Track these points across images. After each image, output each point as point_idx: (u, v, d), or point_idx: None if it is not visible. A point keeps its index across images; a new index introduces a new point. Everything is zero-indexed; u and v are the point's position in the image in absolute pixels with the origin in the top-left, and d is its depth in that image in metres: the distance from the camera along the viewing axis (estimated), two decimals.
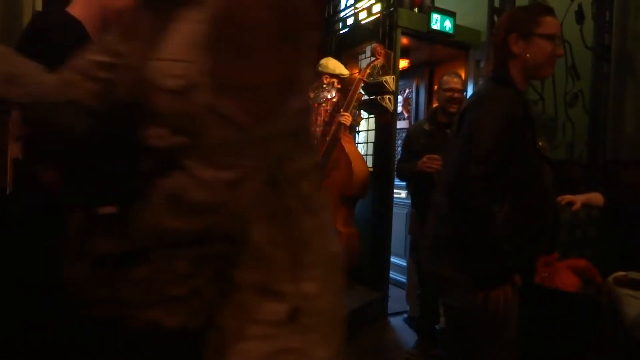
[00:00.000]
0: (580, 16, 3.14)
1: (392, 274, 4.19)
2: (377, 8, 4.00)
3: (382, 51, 3.63)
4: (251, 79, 0.58)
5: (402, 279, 4.26)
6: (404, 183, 3.42)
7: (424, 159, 2.82)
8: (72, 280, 0.64)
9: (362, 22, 4.19)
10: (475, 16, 4.08)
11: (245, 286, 0.66)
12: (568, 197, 2.00)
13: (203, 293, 0.61)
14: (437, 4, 4.11)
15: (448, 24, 3.99)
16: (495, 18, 2.98)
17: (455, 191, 1.38)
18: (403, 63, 4.83)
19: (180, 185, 0.58)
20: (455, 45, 4.19)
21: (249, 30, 0.58)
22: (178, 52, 0.62)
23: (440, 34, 3.97)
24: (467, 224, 1.37)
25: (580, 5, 3.15)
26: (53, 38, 0.99)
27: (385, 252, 3.85)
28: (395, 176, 3.74)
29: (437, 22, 3.94)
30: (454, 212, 1.40)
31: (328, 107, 3.75)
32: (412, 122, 4.96)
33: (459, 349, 1.55)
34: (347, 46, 4.41)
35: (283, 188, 0.68)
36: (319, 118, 3.73)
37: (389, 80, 3.60)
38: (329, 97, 3.77)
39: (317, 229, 0.71)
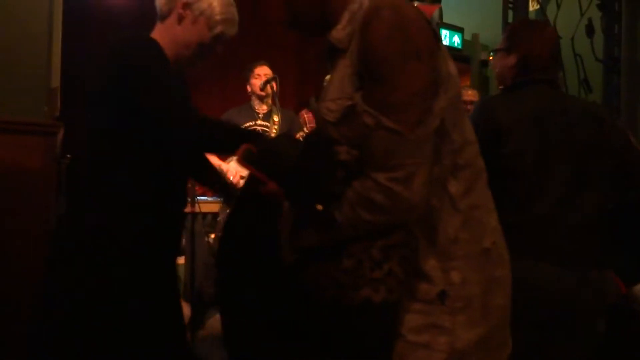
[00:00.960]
0: (590, 30, 3.19)
1: None
2: None
3: None
4: (397, 96, 0.75)
5: None
6: None
7: None
8: (287, 266, 0.83)
9: None
10: (483, 31, 4.14)
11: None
12: None
13: (395, 274, 0.77)
14: (445, 20, 4.17)
15: (457, 40, 4.05)
16: None
17: None
18: None
19: (367, 187, 0.75)
20: (463, 60, 4.24)
21: (381, 61, 0.76)
22: (334, 93, 0.82)
23: (449, 49, 4.02)
24: None
25: (590, 20, 3.20)
26: (141, 57, 1.11)
27: None
28: None
29: (446, 37, 4.00)
30: None
31: None
32: None
33: None
34: None
35: (429, 188, 0.79)
36: None
37: None
38: None
39: (464, 225, 0.83)
